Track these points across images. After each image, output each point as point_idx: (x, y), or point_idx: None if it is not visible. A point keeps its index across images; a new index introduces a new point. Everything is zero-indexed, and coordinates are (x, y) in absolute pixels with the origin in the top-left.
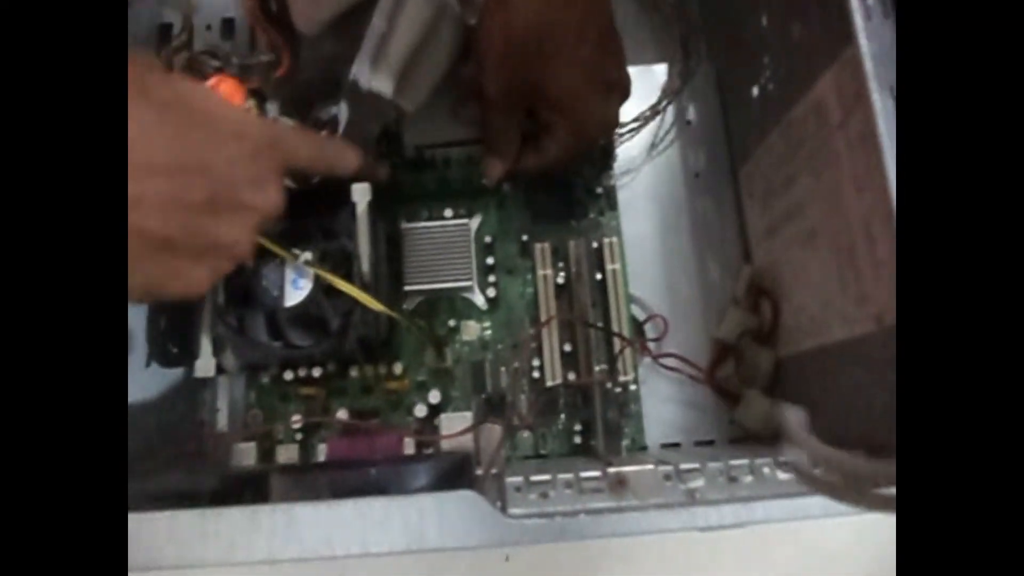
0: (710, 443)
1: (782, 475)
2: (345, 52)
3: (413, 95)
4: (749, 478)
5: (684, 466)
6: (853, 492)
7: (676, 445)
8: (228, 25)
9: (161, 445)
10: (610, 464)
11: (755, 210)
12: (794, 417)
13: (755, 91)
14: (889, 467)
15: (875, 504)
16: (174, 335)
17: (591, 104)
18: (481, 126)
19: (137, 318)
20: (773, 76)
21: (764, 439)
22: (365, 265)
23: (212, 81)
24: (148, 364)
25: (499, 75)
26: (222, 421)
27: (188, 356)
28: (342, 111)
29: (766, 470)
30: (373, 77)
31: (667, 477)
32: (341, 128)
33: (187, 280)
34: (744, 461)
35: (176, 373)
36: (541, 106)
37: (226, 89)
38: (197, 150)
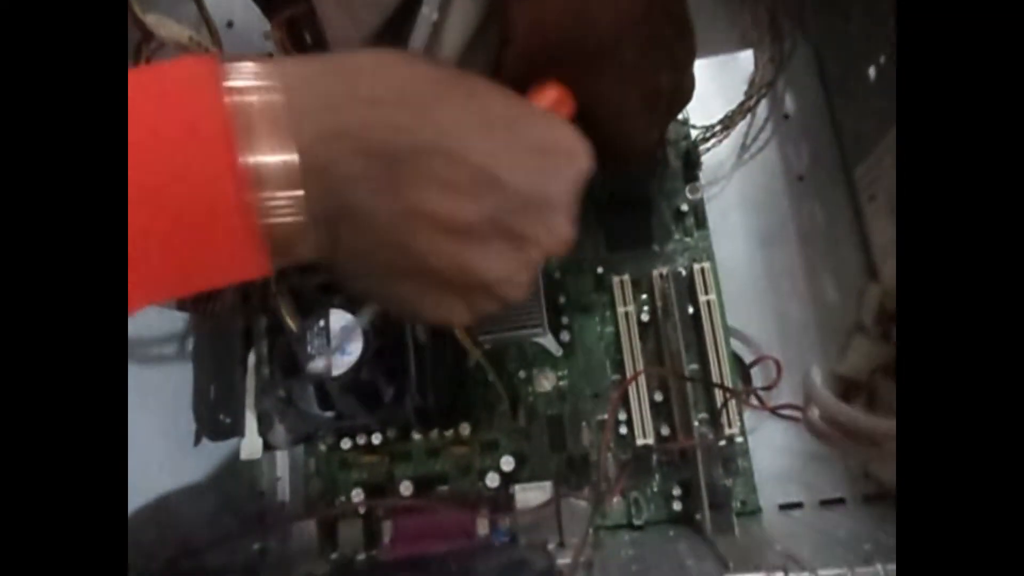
0: (839, 502)
1: None
2: None
3: None
4: None
5: (824, 572)
6: (854, 444)
7: (798, 505)
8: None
9: (223, 523)
10: (723, 561)
11: (879, 217)
12: (814, 374)
13: (872, 72)
14: (889, 423)
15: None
16: (225, 404)
17: (627, 119)
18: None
19: (183, 393)
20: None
21: None
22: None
23: (541, 90)
24: (197, 442)
25: (521, 73)
26: (283, 491)
27: (243, 424)
28: None
29: None
30: None
31: None
32: None
33: (446, 312)
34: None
35: (233, 444)
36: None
37: (552, 96)
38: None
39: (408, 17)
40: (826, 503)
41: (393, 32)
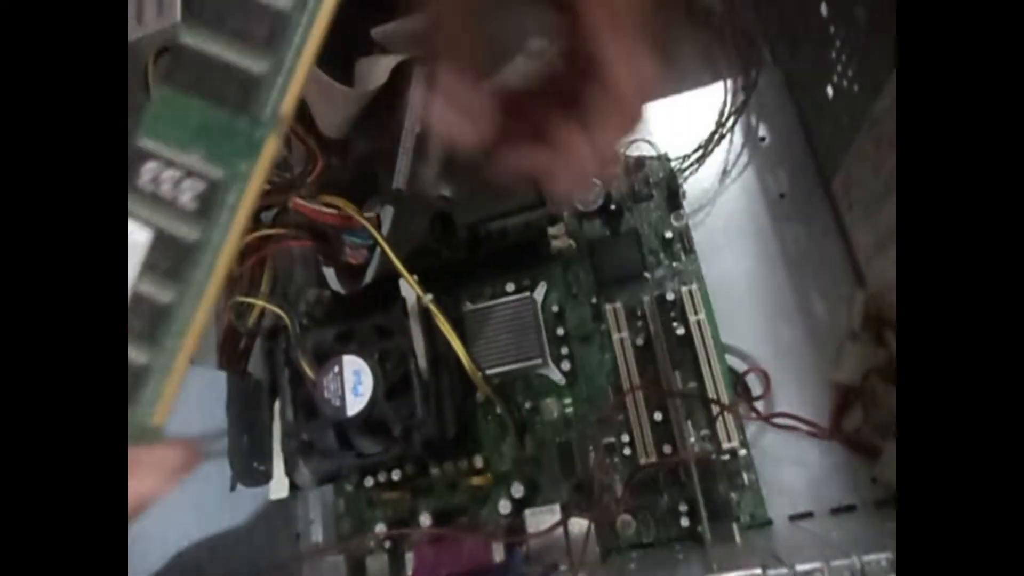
0: (850, 509)
1: None
2: (376, 148)
3: (459, 183)
4: None
5: (801, 568)
6: None
7: (808, 515)
8: None
9: (260, 567)
10: (707, 564)
11: (858, 224)
12: None
13: (829, 91)
14: None
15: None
16: (258, 451)
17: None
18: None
19: (218, 442)
20: (846, 70)
21: None
22: (422, 361)
23: None
24: (233, 487)
25: None
26: (316, 533)
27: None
28: (386, 213)
29: None
30: (417, 182)
31: None
32: (385, 229)
33: None
34: (882, 555)
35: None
36: None
37: None
38: None
39: (389, 104)
40: (837, 510)
41: (373, 118)
